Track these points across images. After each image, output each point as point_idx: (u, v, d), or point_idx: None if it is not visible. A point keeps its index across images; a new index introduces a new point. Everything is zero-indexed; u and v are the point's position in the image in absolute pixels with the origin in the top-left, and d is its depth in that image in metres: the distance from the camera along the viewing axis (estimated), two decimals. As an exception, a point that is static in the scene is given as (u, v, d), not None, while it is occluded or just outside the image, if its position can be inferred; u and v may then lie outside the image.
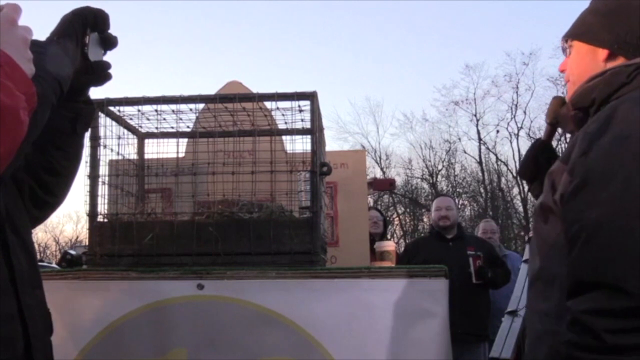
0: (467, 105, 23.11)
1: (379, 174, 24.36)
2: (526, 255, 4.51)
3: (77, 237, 28.38)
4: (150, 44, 35.07)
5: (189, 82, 30.80)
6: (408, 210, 24.11)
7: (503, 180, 23.93)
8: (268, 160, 2.25)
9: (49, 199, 1.34)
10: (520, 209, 23.55)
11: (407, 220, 24.40)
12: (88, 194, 1.93)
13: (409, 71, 32.55)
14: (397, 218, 23.96)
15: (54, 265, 7.42)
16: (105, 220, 1.93)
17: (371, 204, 23.85)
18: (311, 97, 1.92)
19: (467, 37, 31.37)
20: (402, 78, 32.67)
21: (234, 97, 2.02)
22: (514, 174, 23.39)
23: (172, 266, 1.83)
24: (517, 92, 22.71)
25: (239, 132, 2.32)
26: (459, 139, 23.60)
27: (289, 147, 2.46)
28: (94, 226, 1.90)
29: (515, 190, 23.74)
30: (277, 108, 2.19)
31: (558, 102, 1.61)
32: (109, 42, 1.32)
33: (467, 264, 4.32)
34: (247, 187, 2.27)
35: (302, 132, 2.30)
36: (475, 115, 23.15)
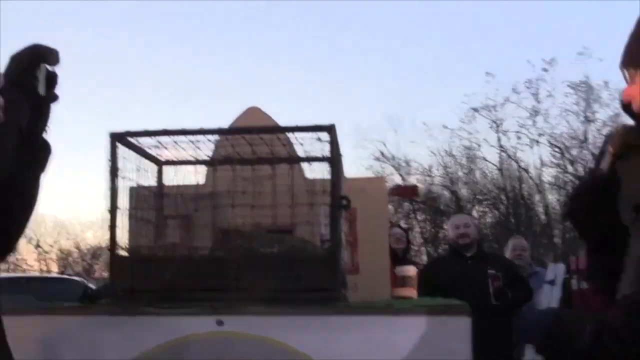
0: (487, 112, 22.92)
1: (398, 181, 24.32)
2: (550, 276, 4.46)
3: (99, 244, 28.65)
4: (163, 69, 35.32)
5: (209, 106, 30.98)
6: (428, 217, 23.97)
7: (524, 186, 23.69)
8: (287, 187, 2.25)
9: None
10: (543, 216, 23.29)
11: (428, 228, 24.26)
12: (108, 227, 1.94)
13: (428, 78, 32.46)
14: (418, 226, 23.84)
15: (75, 278, 7.51)
16: (125, 254, 1.93)
17: (391, 211, 23.86)
18: (329, 129, 1.90)
19: (487, 44, 31.18)
20: (422, 85, 32.61)
21: (251, 129, 2.01)
22: (535, 181, 23.16)
23: (191, 302, 1.82)
24: (537, 99, 22.47)
25: (257, 160, 2.32)
26: (479, 145, 23.42)
27: (308, 175, 2.45)
28: (114, 260, 1.90)
29: (537, 197, 23.50)
30: (296, 138, 2.19)
31: (628, 131, 1.48)
32: (53, 80, 1.30)
33: (487, 284, 4.26)
34: (267, 214, 2.27)
35: (320, 159, 2.29)
36: (495, 122, 22.96)
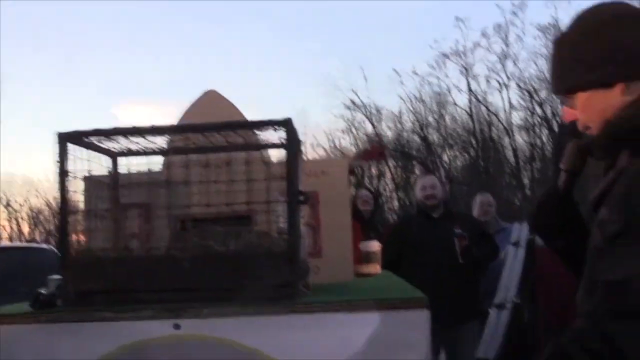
0: (457, 58, 22.84)
1: (369, 129, 24.31)
2: (514, 237, 4.53)
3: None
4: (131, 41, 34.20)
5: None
6: (399, 163, 24.13)
7: (494, 130, 23.89)
8: (244, 171, 2.20)
9: None
10: (512, 158, 23.60)
11: (399, 174, 24.45)
12: (58, 227, 1.88)
13: (397, 26, 32.03)
14: (389, 172, 23.99)
15: (44, 246, 7.38)
16: (78, 255, 1.89)
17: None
18: (285, 124, 1.85)
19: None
20: (391, 33, 32.22)
21: (204, 126, 1.95)
22: (504, 124, 23.36)
23: (147, 303, 1.80)
24: (506, 43, 22.43)
25: (213, 148, 2.26)
26: (449, 91, 23.43)
27: (265, 159, 2.41)
28: (66, 261, 1.85)
29: (506, 140, 23.75)
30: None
31: (575, 147, 1.54)
32: None
33: (453, 243, 4.32)
34: (224, 199, 2.24)
35: (277, 146, 2.25)
36: (465, 67, 22.92)
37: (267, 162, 2.25)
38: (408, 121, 24.18)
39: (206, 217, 2.25)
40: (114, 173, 2.31)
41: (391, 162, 23.88)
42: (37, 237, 29.11)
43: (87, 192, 2.23)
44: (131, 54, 35.12)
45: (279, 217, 2.11)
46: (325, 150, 25.01)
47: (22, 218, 30.12)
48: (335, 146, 24.96)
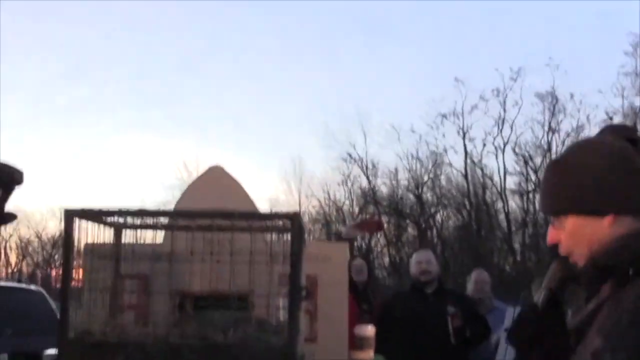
0: (455, 119, 23.15)
1: (365, 184, 24.41)
2: (507, 322, 4.50)
3: (61, 234, 28.09)
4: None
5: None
6: (392, 220, 24.13)
7: (488, 193, 24.02)
8: (247, 251, 2.22)
9: None
10: (504, 223, 23.66)
11: (392, 230, 24.42)
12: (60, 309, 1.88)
13: (398, 83, 32.57)
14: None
15: (32, 288, 7.29)
16: (77, 337, 1.88)
17: (356, 213, 23.97)
18: (292, 218, 1.88)
19: (457, 50, 31.47)
20: (391, 89, 32.75)
21: (213, 214, 1.98)
22: (498, 189, 23.50)
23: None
24: (504, 108, 22.79)
25: (217, 227, 2.28)
26: (446, 151, 23.65)
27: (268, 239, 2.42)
28: (64, 345, 1.85)
29: (499, 204, 23.85)
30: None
31: (560, 269, 1.58)
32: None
33: (446, 322, 4.29)
34: (225, 278, 2.24)
35: (282, 230, 2.27)
36: (463, 129, 23.20)
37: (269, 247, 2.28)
38: (403, 178, 24.32)
39: (205, 294, 2.26)
40: (117, 245, 2.32)
41: (384, 218, 23.89)
42: (24, 268, 28.81)
43: (90, 263, 2.24)
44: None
45: (279, 300, 2.12)
46: (319, 200, 25.05)
47: (10, 247, 29.79)
48: (329, 197, 25.00)
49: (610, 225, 1.39)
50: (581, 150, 1.52)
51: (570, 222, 1.43)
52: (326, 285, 2.47)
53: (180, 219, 2.13)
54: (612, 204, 1.40)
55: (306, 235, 2.28)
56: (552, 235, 1.48)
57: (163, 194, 29.01)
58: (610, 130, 1.55)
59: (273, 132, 34.73)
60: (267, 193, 26.13)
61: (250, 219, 2.01)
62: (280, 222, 1.95)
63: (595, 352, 1.25)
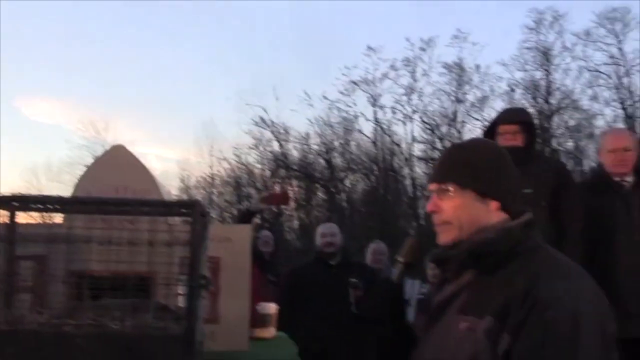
0: (366, 86, 23.44)
1: (276, 148, 24.39)
2: (407, 293, 4.70)
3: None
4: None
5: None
6: (302, 185, 24.34)
7: (395, 159, 24.62)
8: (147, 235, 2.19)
9: None
10: (410, 189, 24.39)
11: (302, 194, 24.64)
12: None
13: (311, 50, 32.47)
14: (292, 192, 24.13)
15: None
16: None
17: (268, 175, 23.98)
18: (192, 206, 1.87)
19: (370, 19, 31.66)
20: (305, 56, 32.62)
21: (111, 202, 1.94)
22: (406, 155, 24.14)
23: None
24: (413, 77, 23.28)
25: (116, 210, 2.23)
26: (356, 118, 23.97)
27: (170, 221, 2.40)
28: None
29: (406, 171, 24.53)
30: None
31: (414, 245, 1.77)
32: None
33: (348, 293, 4.43)
34: (126, 260, 2.21)
35: (183, 214, 2.25)
36: (373, 96, 23.55)
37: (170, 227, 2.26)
38: (314, 143, 24.47)
39: (104, 274, 2.23)
40: (11, 224, 2.23)
41: (294, 182, 24.06)
42: None
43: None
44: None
45: (179, 284, 2.12)
46: (230, 164, 24.83)
47: None
48: (241, 162, 24.82)
49: (494, 211, 1.54)
50: (481, 142, 1.72)
51: (462, 196, 1.55)
52: (228, 267, 2.48)
53: (77, 205, 2.07)
54: (499, 193, 1.54)
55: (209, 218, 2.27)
56: (434, 204, 1.60)
57: (69, 153, 27.68)
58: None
59: (185, 95, 33.91)
60: (178, 155, 25.59)
61: (149, 206, 1.98)
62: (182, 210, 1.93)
63: (487, 330, 1.39)
